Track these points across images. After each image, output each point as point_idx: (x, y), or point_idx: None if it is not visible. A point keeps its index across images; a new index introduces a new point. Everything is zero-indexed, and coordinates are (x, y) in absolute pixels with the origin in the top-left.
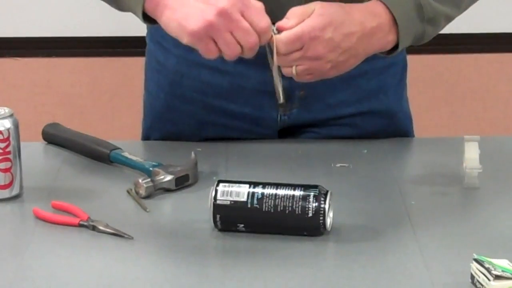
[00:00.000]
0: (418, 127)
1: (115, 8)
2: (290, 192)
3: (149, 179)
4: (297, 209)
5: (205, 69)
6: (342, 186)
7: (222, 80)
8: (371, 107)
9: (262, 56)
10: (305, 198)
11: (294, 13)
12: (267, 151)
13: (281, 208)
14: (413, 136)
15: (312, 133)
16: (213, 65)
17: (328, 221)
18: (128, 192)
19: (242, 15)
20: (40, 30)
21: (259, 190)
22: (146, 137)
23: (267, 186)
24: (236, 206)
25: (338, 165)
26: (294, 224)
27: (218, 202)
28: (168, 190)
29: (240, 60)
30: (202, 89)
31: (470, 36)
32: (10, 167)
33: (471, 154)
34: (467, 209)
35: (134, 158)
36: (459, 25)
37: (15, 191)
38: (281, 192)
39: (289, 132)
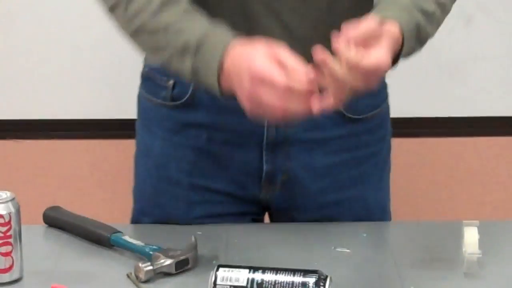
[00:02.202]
0: (417, 211)
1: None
2: (289, 277)
3: (149, 263)
4: None
5: (189, 150)
6: (342, 270)
7: (207, 161)
8: (350, 196)
9: (247, 138)
10: (304, 284)
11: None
12: (267, 234)
13: None
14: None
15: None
16: (198, 146)
17: None
18: (128, 276)
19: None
20: (40, 113)
21: (258, 275)
22: (136, 222)
23: (266, 271)
24: None
25: (338, 249)
26: None
27: (217, 287)
28: (168, 274)
29: (226, 142)
30: (187, 169)
31: (469, 120)
32: (11, 251)
33: (471, 239)
34: None
35: (134, 241)
36: (458, 109)
37: (15, 275)
38: (281, 277)
39: (273, 213)
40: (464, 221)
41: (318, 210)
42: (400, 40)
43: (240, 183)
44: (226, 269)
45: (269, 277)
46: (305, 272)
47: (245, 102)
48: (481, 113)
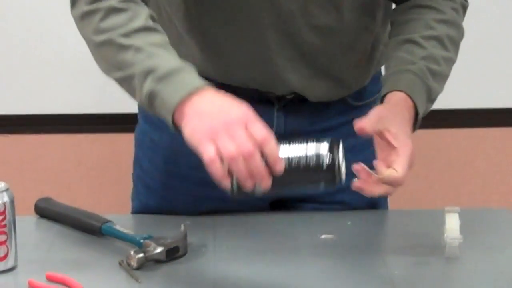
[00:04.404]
0: (400, 200)
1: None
2: (303, 145)
3: (140, 251)
4: (312, 160)
5: None
6: (327, 257)
7: None
8: None
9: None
10: (318, 148)
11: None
12: (253, 223)
13: (296, 163)
14: (386, 207)
15: (303, 208)
16: None
17: (343, 170)
18: (120, 263)
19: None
20: (28, 108)
21: None
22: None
23: (280, 141)
24: None
25: (324, 236)
26: (310, 177)
27: None
28: (159, 261)
29: None
30: (197, 164)
31: (447, 112)
32: (6, 240)
33: (452, 224)
34: (449, 278)
35: (125, 231)
36: (436, 102)
37: (10, 263)
38: (294, 147)
39: (281, 205)
40: (446, 208)
41: (329, 196)
42: (413, 109)
43: None
44: None
45: (282, 148)
46: (318, 139)
47: (199, 136)
48: (459, 106)
